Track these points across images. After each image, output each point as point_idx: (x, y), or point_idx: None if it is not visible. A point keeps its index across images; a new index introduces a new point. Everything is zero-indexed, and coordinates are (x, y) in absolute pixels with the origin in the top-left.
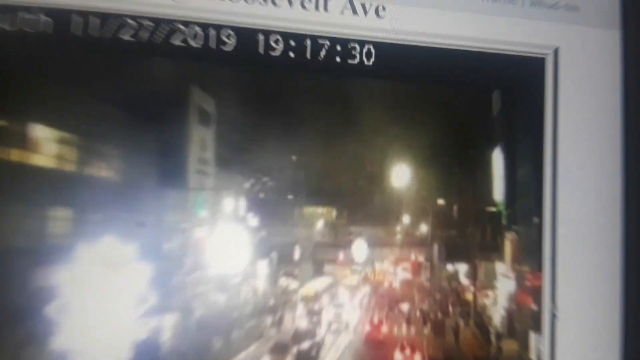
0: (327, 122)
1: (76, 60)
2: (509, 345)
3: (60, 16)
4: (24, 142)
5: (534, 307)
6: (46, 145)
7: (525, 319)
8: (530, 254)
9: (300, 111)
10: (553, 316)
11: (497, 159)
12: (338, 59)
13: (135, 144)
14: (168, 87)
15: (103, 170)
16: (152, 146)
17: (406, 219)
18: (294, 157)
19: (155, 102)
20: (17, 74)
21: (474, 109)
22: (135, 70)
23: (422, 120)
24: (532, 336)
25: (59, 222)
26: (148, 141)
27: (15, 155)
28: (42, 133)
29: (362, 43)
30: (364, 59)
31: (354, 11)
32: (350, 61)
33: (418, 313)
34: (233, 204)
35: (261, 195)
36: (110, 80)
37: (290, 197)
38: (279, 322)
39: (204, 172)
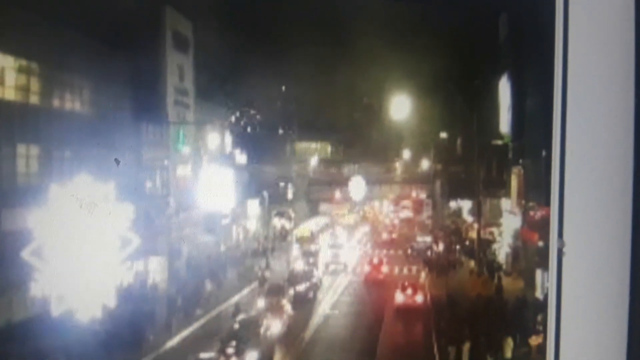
0: (319, 48)
1: None
2: (514, 283)
3: None
4: None
5: (540, 243)
6: (7, 76)
7: (531, 256)
8: (538, 189)
9: (288, 35)
10: (560, 252)
11: (504, 89)
12: None
13: (105, 73)
14: (138, 8)
15: (72, 103)
16: (124, 75)
17: (406, 154)
18: (283, 88)
19: (124, 26)
20: None
21: (479, 34)
22: None
23: (422, 47)
24: (538, 273)
25: (27, 160)
26: (119, 70)
27: None
28: (4, 63)
29: None
30: None
31: None
32: None
33: (419, 252)
34: (218, 139)
35: (248, 129)
36: (74, 3)
37: (280, 131)
38: (273, 265)
39: (183, 104)
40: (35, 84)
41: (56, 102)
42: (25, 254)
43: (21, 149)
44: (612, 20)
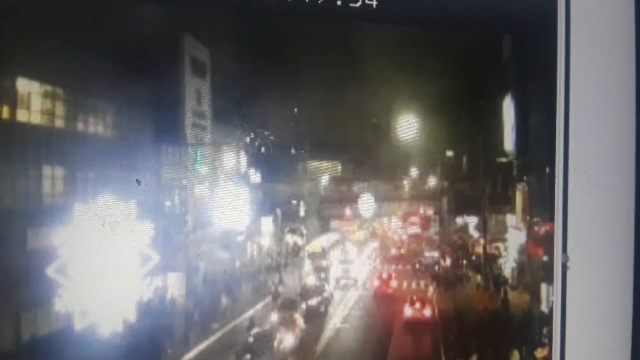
0: (329, 71)
1: (62, 11)
2: (520, 297)
3: None
4: (12, 99)
5: (544, 258)
6: (33, 101)
7: (536, 270)
8: (542, 205)
9: (300, 60)
10: (564, 266)
11: (508, 108)
12: (339, 2)
13: (126, 98)
14: (158, 36)
15: (95, 126)
16: (145, 99)
17: (414, 172)
18: (295, 109)
19: (145, 52)
20: (1, 27)
21: (484, 55)
22: (122, 18)
23: (429, 67)
24: (543, 287)
25: (52, 181)
26: (140, 94)
27: (3, 112)
28: (30, 88)
29: None
30: (367, 1)
31: None
32: (352, 4)
33: (427, 267)
34: (233, 159)
35: (262, 149)
36: (97, 31)
37: (293, 151)
38: (286, 280)
39: (200, 126)
40: (60, 108)
41: (80, 126)
42: (50, 271)
43: (47, 170)
44: (613, 41)
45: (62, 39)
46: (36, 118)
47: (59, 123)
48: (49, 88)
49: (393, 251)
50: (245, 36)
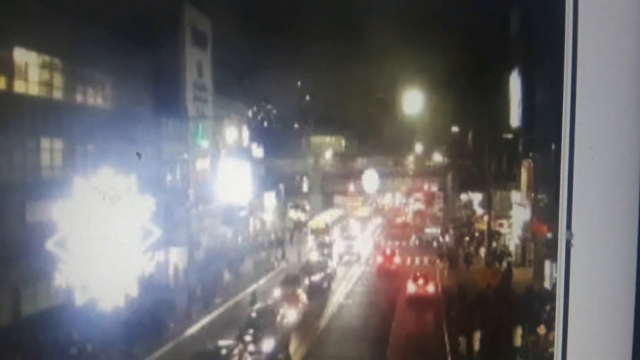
0: (334, 44)
1: None
2: (523, 274)
3: None
4: (9, 69)
5: (548, 235)
6: (31, 72)
7: (540, 247)
8: (547, 182)
9: (304, 32)
10: (568, 244)
11: (515, 84)
12: None
13: (126, 69)
14: (158, 5)
15: (94, 98)
16: (145, 71)
17: (419, 148)
18: (299, 83)
19: (145, 23)
20: None
21: (491, 29)
22: None
23: (435, 42)
24: (547, 264)
25: (51, 153)
26: (140, 66)
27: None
28: (27, 59)
29: None
30: None
31: None
32: None
33: (431, 244)
34: (235, 133)
35: (265, 124)
36: (96, 0)
37: (296, 125)
38: (288, 255)
39: (202, 99)
40: (58, 80)
41: (79, 97)
42: (50, 245)
43: (45, 142)
44: (621, 15)
45: (60, 8)
46: (34, 89)
47: (57, 94)
48: (46, 59)
49: (396, 227)
50: (248, 6)
